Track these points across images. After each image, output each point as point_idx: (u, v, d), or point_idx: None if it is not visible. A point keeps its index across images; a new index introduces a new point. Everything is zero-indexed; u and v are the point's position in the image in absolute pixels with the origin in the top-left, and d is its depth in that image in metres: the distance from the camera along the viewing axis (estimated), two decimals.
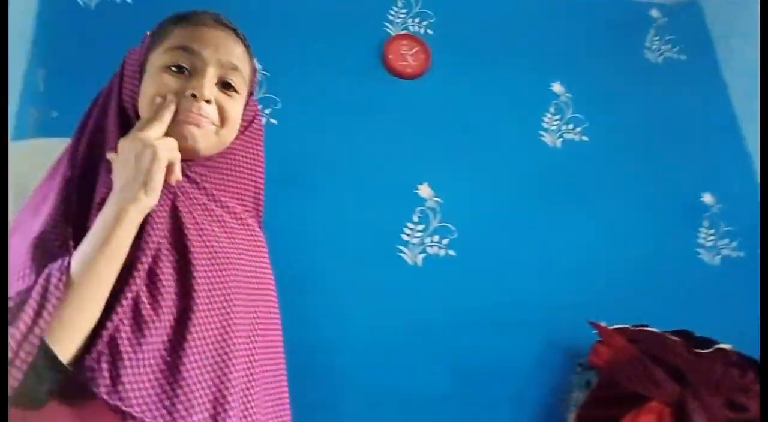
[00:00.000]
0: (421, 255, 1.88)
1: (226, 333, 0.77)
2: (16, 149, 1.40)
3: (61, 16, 1.88)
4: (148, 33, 0.91)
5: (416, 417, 1.73)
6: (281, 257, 1.77)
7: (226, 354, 0.75)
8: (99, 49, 1.86)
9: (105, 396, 0.64)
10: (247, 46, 0.93)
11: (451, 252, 1.89)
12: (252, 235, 0.93)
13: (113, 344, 0.67)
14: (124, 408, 0.63)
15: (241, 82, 0.88)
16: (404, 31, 2.11)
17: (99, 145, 0.84)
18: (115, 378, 0.64)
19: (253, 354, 0.83)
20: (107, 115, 0.86)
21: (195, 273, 0.76)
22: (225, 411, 0.72)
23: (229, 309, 0.78)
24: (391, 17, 2.13)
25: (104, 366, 0.65)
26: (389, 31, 2.10)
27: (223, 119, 0.86)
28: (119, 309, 0.69)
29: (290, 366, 1.70)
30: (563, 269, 1.92)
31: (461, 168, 1.98)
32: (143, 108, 0.83)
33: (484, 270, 1.89)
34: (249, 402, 0.78)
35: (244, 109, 0.93)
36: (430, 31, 2.14)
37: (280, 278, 1.75)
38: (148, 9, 1.93)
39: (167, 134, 0.80)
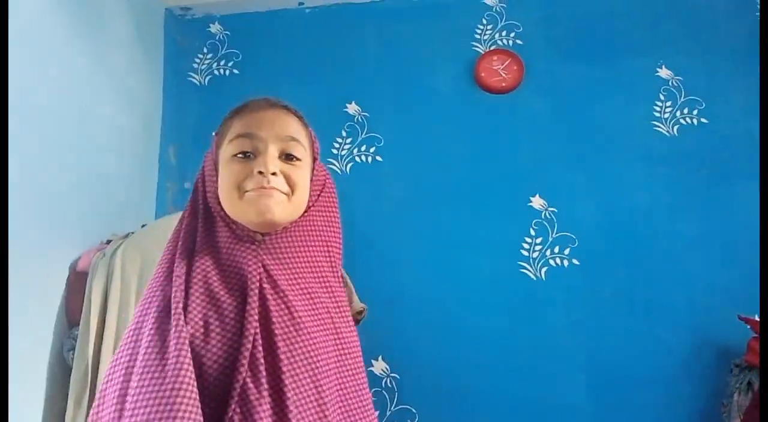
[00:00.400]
0: (544, 269, 1.85)
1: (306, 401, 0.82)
2: (162, 224, 1.58)
3: (182, 96, 2.11)
4: (214, 134, 1.00)
5: None
6: (407, 286, 1.85)
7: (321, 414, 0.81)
8: (217, 119, 2.07)
9: None
10: (300, 118, 1.00)
11: (575, 261, 1.84)
12: (332, 297, 0.96)
13: None
14: None
15: (301, 150, 0.95)
16: (493, 47, 2.12)
17: (193, 241, 0.94)
18: None
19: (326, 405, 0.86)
20: (197, 216, 0.96)
21: (280, 354, 0.82)
22: None
23: (300, 386, 0.83)
24: (477, 36, 2.14)
25: None
26: (478, 49, 2.12)
27: (291, 187, 0.92)
28: (232, 402, 0.77)
29: (429, 388, 1.75)
30: (701, 262, 1.80)
31: (571, 174, 1.93)
32: (223, 200, 0.92)
33: (613, 275, 1.82)
34: None
35: (313, 175, 0.99)
36: (519, 41, 2.12)
37: (409, 306, 1.82)
38: (253, 76, 2.12)
39: (246, 214, 0.89)
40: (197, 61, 2.16)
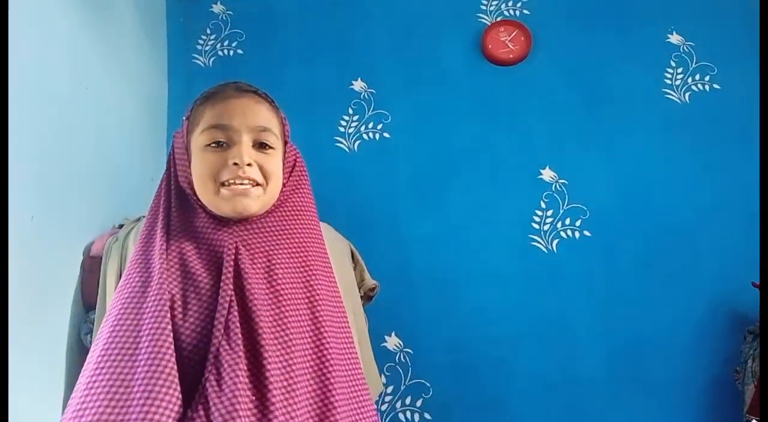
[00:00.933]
0: (556, 241, 1.84)
1: (291, 362, 0.84)
2: None
3: (188, 79, 2.10)
4: (185, 118, 1.01)
5: (576, 403, 1.70)
6: (418, 262, 1.85)
7: (295, 380, 0.83)
8: None
9: None
10: (270, 102, 1.01)
11: (587, 233, 1.84)
12: (317, 265, 0.98)
13: (203, 394, 0.78)
14: None
15: (274, 139, 0.97)
16: (499, 18, 2.08)
17: (168, 221, 0.96)
18: None
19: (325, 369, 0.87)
20: (170, 197, 0.98)
21: (256, 318, 0.84)
22: None
23: (289, 344, 0.85)
24: (483, 7, 2.11)
25: (201, 412, 0.77)
26: (484, 21, 2.08)
27: (266, 177, 0.95)
28: (208, 364, 0.80)
29: (442, 362, 1.76)
30: (714, 230, 1.79)
31: (581, 145, 1.92)
32: (197, 188, 0.95)
33: (625, 245, 1.81)
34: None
35: (284, 157, 1.01)
36: (526, 11, 2.09)
37: (421, 282, 1.83)
38: (258, 56, 2.10)
39: (221, 208, 0.91)
40: (201, 42, 2.15)
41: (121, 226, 1.47)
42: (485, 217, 1.88)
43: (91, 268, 1.35)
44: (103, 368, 0.79)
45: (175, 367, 0.79)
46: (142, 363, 0.78)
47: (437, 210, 1.91)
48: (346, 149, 2.00)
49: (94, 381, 0.78)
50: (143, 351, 0.80)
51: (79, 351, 1.30)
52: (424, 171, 1.94)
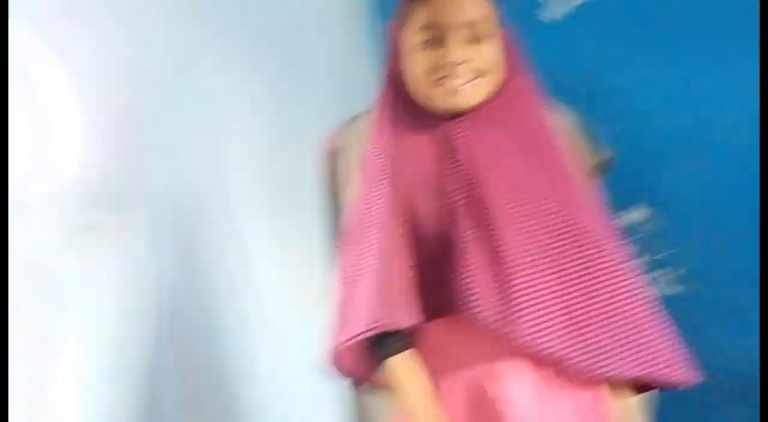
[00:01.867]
0: None
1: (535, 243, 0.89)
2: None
3: None
4: (396, 15, 1.02)
5: None
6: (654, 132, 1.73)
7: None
8: None
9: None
10: None
11: None
12: (549, 146, 0.99)
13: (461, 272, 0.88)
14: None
15: (488, 30, 0.96)
16: None
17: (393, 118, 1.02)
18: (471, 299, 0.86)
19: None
20: (390, 93, 1.03)
21: (490, 206, 0.89)
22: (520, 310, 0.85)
23: (532, 228, 0.90)
24: None
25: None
26: None
27: (482, 70, 0.95)
28: (459, 249, 0.88)
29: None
30: None
31: None
32: (413, 87, 0.98)
33: None
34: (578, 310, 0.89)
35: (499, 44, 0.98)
36: None
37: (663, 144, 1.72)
38: None
39: (439, 106, 0.95)
40: None
41: (347, 123, 1.54)
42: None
43: (328, 163, 1.44)
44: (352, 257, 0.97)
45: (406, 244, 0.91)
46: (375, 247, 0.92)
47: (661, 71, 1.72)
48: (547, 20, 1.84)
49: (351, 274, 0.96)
50: (374, 236, 0.93)
51: (332, 241, 1.41)
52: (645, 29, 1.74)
